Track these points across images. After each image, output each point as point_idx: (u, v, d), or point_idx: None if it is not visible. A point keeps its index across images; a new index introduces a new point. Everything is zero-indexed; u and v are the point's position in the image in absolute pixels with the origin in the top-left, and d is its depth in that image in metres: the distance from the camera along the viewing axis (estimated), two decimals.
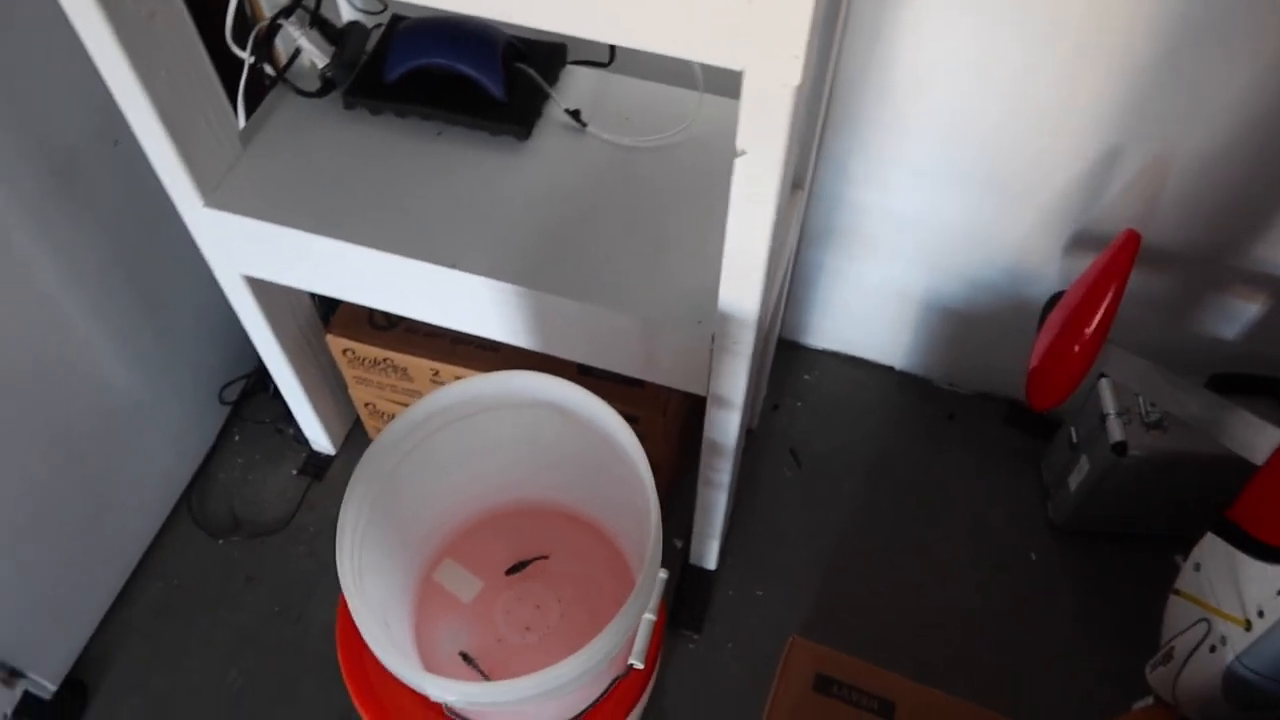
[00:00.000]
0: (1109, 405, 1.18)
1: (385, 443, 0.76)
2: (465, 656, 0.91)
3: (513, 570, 0.96)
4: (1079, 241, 1.17)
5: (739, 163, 0.69)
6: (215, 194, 0.96)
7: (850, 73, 1.08)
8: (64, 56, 0.97)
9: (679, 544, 1.30)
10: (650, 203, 0.97)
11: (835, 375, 1.51)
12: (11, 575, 1.09)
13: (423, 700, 0.78)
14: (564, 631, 0.90)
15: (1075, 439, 1.26)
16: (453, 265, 0.91)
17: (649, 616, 0.75)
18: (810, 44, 0.60)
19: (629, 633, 0.71)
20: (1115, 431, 1.16)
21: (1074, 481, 1.26)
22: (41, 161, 0.99)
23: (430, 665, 0.91)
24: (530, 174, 0.99)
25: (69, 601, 1.20)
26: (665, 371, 0.94)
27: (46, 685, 1.17)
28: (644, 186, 0.98)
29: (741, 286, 0.80)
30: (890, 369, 1.51)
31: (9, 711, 1.13)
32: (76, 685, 1.22)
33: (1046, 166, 1.11)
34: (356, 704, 0.83)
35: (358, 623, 0.67)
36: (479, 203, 0.97)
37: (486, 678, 0.89)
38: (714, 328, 0.86)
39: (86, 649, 1.24)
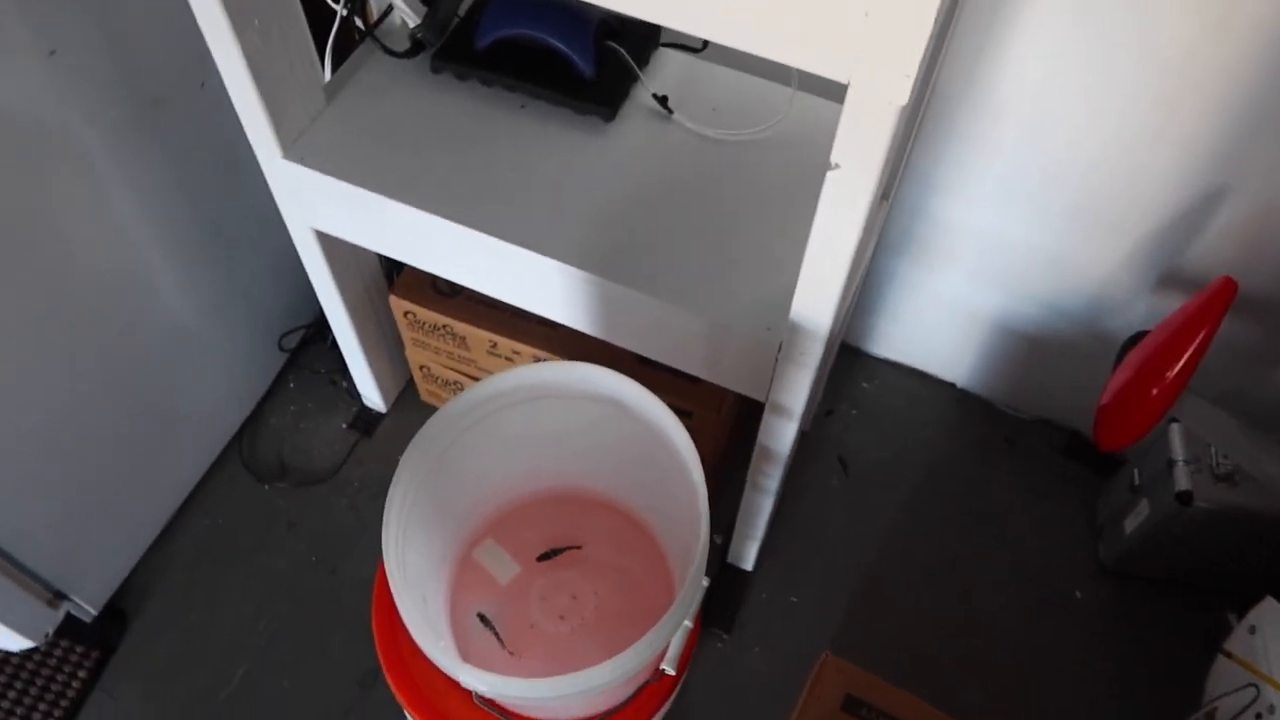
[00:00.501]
0: (1178, 452, 1.14)
1: (444, 419, 0.76)
2: (482, 618, 0.90)
3: (544, 557, 0.95)
4: (1168, 280, 1.13)
5: (831, 175, 0.67)
6: (294, 147, 0.96)
7: (951, 88, 1.04)
8: None
9: (718, 540, 1.29)
10: (730, 199, 0.94)
11: (894, 386, 1.48)
12: (64, 500, 1.11)
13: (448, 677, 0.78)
14: (597, 624, 0.89)
15: (1138, 481, 1.22)
16: (523, 244, 0.90)
17: (686, 624, 0.73)
18: (923, 62, 0.57)
19: (666, 640, 0.70)
20: (1182, 480, 1.12)
21: (1130, 524, 1.23)
22: (130, 96, 0.99)
23: (459, 635, 0.91)
24: (610, 157, 0.97)
25: (116, 530, 1.22)
26: (726, 374, 0.93)
27: (88, 609, 1.20)
28: (725, 182, 0.96)
29: (816, 299, 0.78)
30: (951, 385, 1.47)
31: (50, 631, 1.16)
32: (116, 612, 1.25)
33: (1144, 200, 1.06)
34: (386, 673, 0.83)
35: (397, 602, 0.67)
36: (556, 182, 0.95)
37: (501, 641, 0.89)
38: (782, 336, 0.84)
39: (129, 579, 1.26)
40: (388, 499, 0.72)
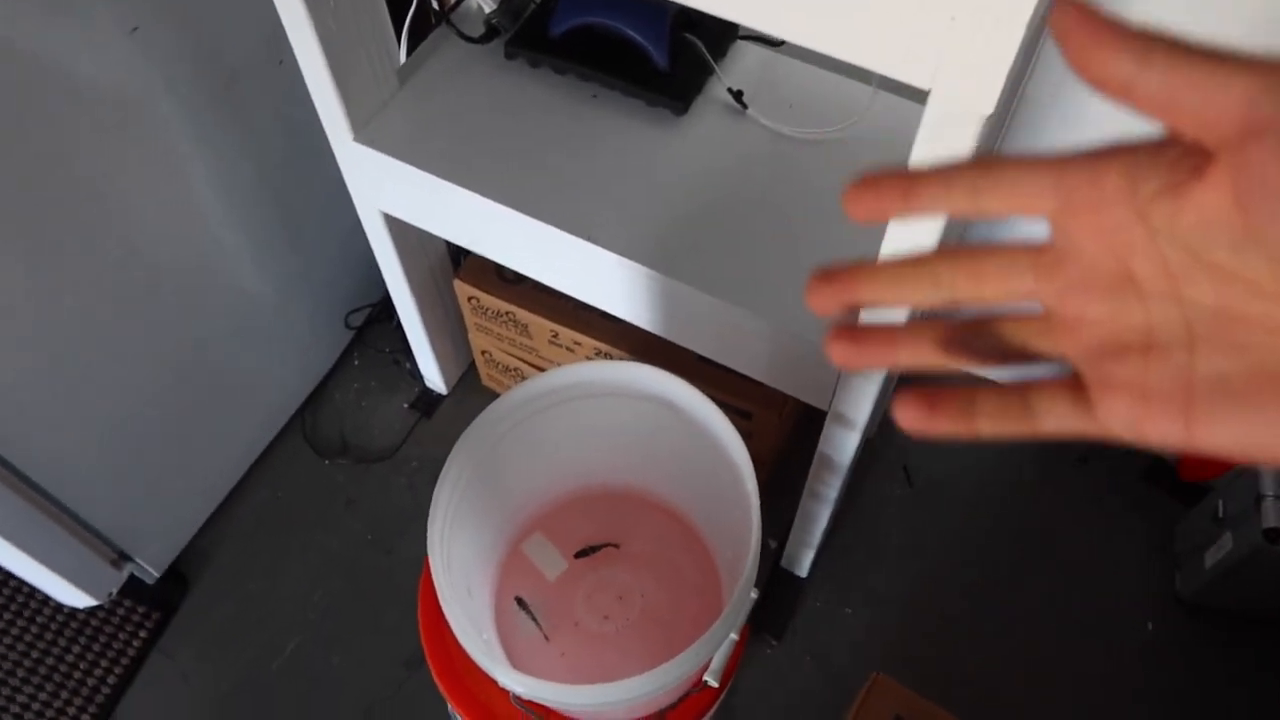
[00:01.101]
0: (1268, 486, 1.08)
1: (498, 411, 0.75)
2: (520, 602, 0.90)
3: (581, 554, 0.94)
4: None
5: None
6: (366, 130, 0.96)
7: (1041, 95, 0.99)
8: None
9: (773, 544, 1.26)
10: (802, 200, 0.91)
11: None
12: (132, 465, 1.14)
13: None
14: (642, 626, 0.88)
15: (1221, 513, 1.16)
16: (589, 238, 0.88)
17: (733, 637, 0.71)
18: (1012, 71, 0.53)
19: (710, 653, 0.68)
20: (1270, 516, 1.06)
21: (1211, 558, 1.16)
22: (210, 73, 1.00)
23: (503, 626, 0.90)
24: (682, 152, 0.95)
25: (180, 495, 1.25)
26: (787, 380, 0.90)
27: (151, 571, 1.23)
28: (798, 182, 0.92)
29: (884, 311, 0.75)
30: None
31: (114, 590, 1.19)
32: (178, 576, 1.28)
33: None
34: (430, 661, 0.83)
35: (440, 596, 0.66)
36: (625, 175, 0.93)
37: (538, 625, 0.88)
38: None
39: (190, 544, 1.29)
40: (435, 493, 0.72)
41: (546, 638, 0.87)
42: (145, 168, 0.99)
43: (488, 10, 0.99)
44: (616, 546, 0.94)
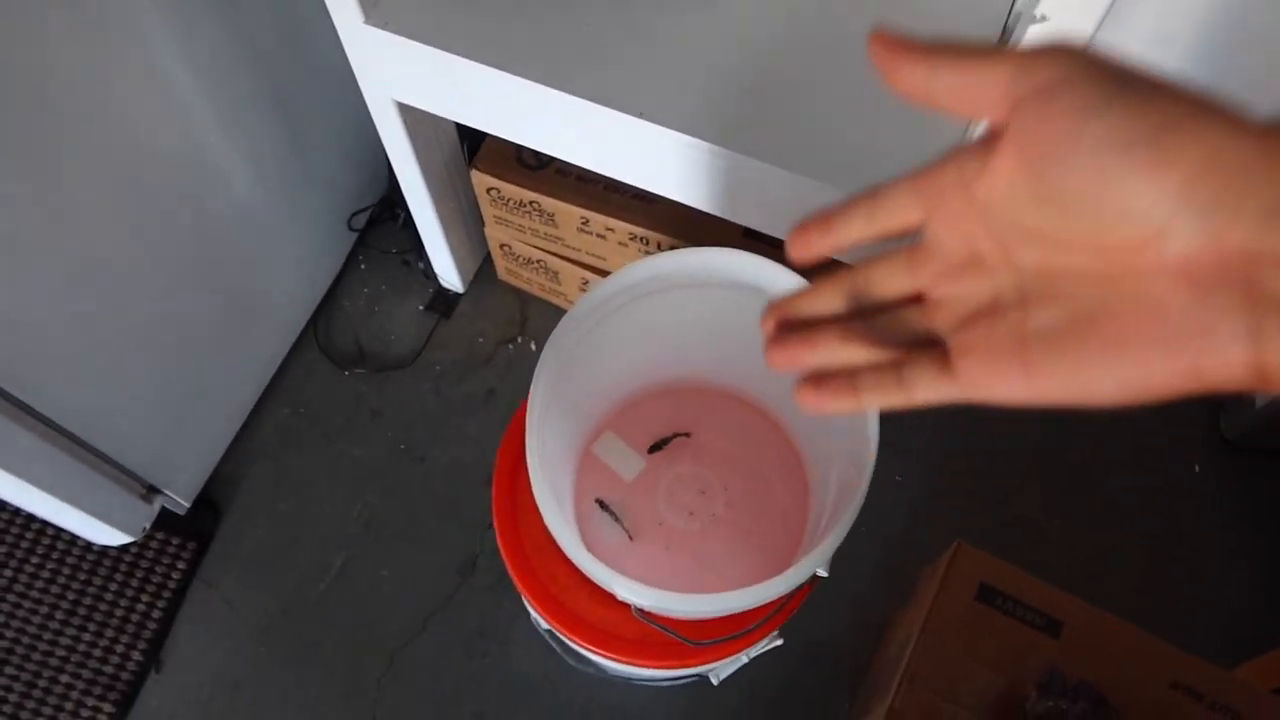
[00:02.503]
0: None
1: (580, 312, 0.69)
2: (601, 504, 0.87)
3: (654, 448, 0.90)
4: None
5: (1034, 30, 0.58)
6: (376, 10, 0.86)
7: None
8: None
9: None
10: (861, 53, 0.84)
11: None
12: (150, 393, 1.07)
13: (581, 577, 0.74)
14: (729, 520, 0.85)
15: None
16: (639, 114, 0.81)
17: (845, 528, 0.69)
18: None
19: (829, 555, 0.65)
20: None
21: (1261, 399, 1.16)
22: None
23: (585, 530, 0.87)
24: (729, 10, 0.87)
25: (202, 421, 1.19)
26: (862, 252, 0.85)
27: (181, 502, 1.18)
28: (855, 34, 0.85)
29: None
30: None
31: (147, 525, 1.14)
32: (209, 504, 1.23)
33: None
34: (512, 572, 0.79)
35: (547, 520, 0.62)
36: (668, 40, 0.85)
37: (621, 523, 0.86)
38: None
39: (217, 470, 1.24)
40: (529, 402, 0.67)
41: (631, 538, 0.84)
42: (131, 73, 0.88)
43: None
44: (687, 435, 0.90)
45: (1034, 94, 0.26)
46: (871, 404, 0.32)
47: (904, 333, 0.32)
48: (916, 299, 0.32)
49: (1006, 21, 0.81)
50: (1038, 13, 0.57)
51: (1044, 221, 0.27)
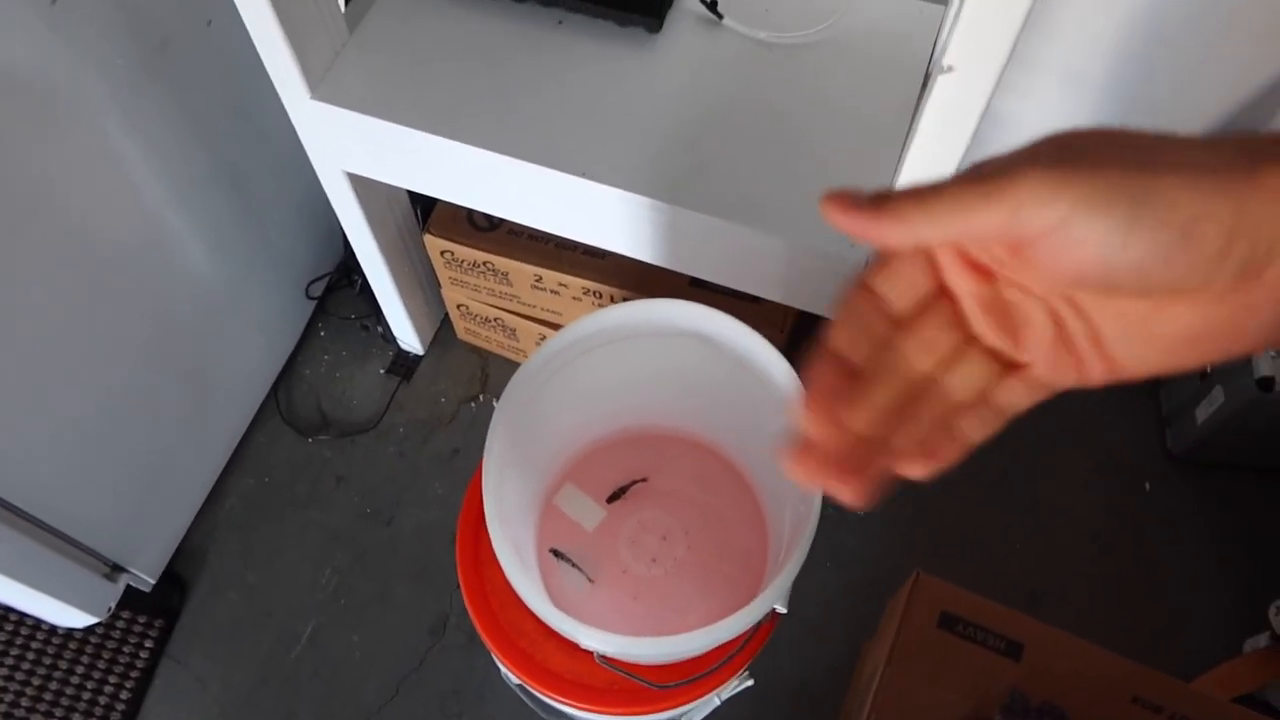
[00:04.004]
0: None
1: (530, 369, 0.71)
2: (556, 553, 0.88)
3: (613, 498, 0.91)
4: None
5: (942, 80, 0.61)
6: (321, 86, 0.89)
7: None
8: None
9: None
10: (793, 108, 0.88)
11: None
12: (111, 471, 1.07)
13: (547, 629, 0.75)
14: (692, 563, 0.87)
15: (1209, 369, 1.19)
16: (582, 174, 0.84)
17: (798, 564, 0.71)
18: None
19: (787, 589, 0.67)
20: (1262, 365, 1.09)
21: (1202, 413, 1.20)
22: (133, 42, 0.91)
23: (546, 581, 0.88)
24: (660, 72, 0.90)
25: (165, 496, 1.19)
26: (804, 294, 0.88)
27: (146, 579, 1.18)
28: (786, 89, 0.89)
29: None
30: None
31: (112, 604, 1.13)
32: (175, 579, 1.22)
33: (1220, 76, 1.00)
34: (477, 624, 0.80)
35: (507, 573, 0.64)
36: (604, 103, 0.89)
37: (579, 569, 0.87)
38: (867, 251, 0.79)
39: (183, 544, 1.24)
40: (484, 460, 0.68)
41: (591, 580, 0.85)
42: (81, 154, 0.90)
43: None
44: (645, 480, 0.92)
45: (1044, 241, 0.27)
46: (978, 440, 0.33)
47: (973, 387, 0.33)
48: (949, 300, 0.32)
49: (927, 70, 0.85)
50: (945, 63, 0.60)
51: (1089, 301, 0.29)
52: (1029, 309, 0.31)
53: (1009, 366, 0.32)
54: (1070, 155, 0.26)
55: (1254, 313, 0.27)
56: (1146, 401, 1.33)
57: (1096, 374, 0.31)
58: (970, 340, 0.32)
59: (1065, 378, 0.31)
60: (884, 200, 0.29)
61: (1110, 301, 0.29)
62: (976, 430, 0.33)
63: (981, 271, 0.31)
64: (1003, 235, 0.27)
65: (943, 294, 0.32)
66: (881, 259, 0.32)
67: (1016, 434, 1.25)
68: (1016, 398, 0.32)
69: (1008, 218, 0.27)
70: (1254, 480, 1.27)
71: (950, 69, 0.60)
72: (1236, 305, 0.27)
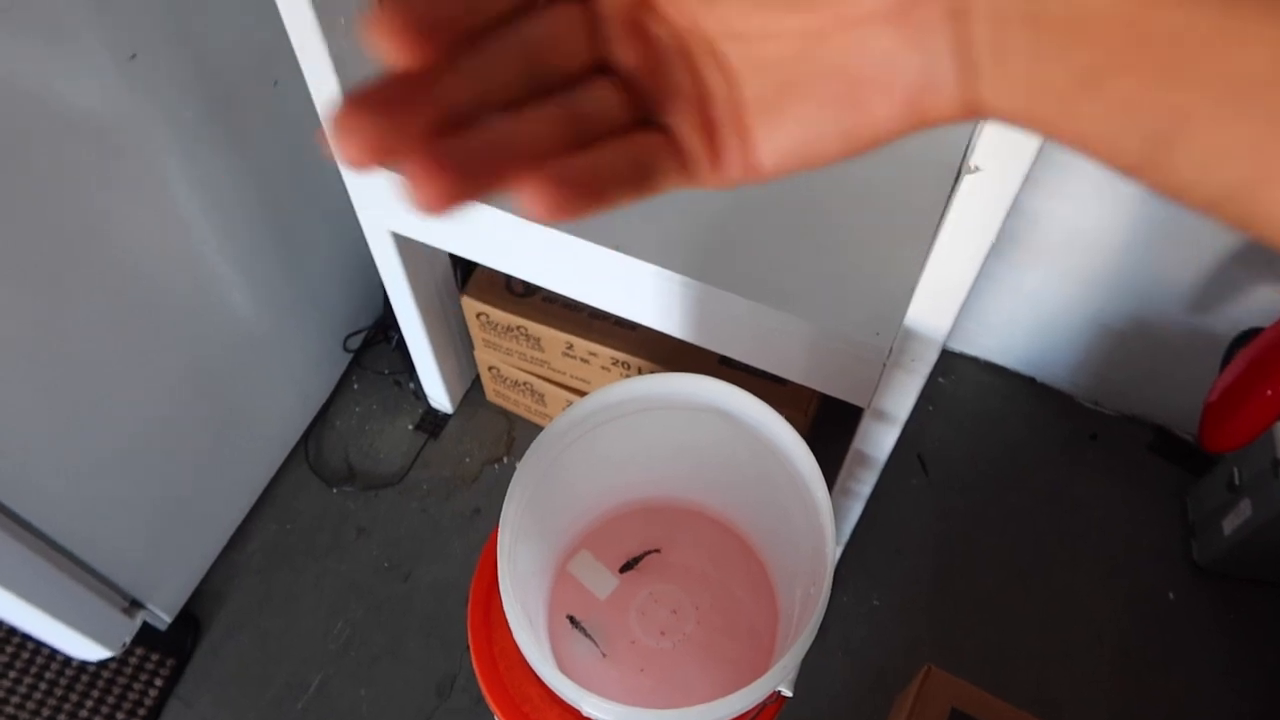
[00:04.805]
0: None
1: (552, 434, 0.73)
2: (572, 620, 0.88)
3: (626, 568, 0.92)
4: None
5: (969, 180, 0.63)
6: None
7: None
8: None
9: None
10: (826, 194, 0.90)
11: (972, 381, 1.44)
12: (139, 506, 1.10)
13: (552, 696, 0.75)
14: (700, 639, 0.87)
15: (1238, 480, 1.18)
16: (616, 247, 0.87)
17: (805, 646, 0.70)
18: None
19: (793, 670, 0.67)
20: None
21: (1229, 525, 1.18)
22: (203, 95, 0.97)
23: (557, 648, 0.88)
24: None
25: (188, 536, 1.21)
26: (827, 379, 0.89)
27: (163, 617, 1.19)
28: (823, 176, 0.92)
29: (936, 307, 0.74)
30: (1031, 380, 1.43)
31: (127, 640, 1.14)
32: (190, 619, 1.23)
33: None
34: (484, 688, 0.80)
35: (516, 635, 0.64)
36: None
37: (594, 641, 0.87)
38: (891, 341, 0.80)
39: (201, 585, 1.25)
40: (500, 524, 0.70)
41: (604, 656, 0.85)
42: (141, 198, 0.95)
43: None
44: (658, 552, 0.92)
45: None
46: (615, 202, 0.26)
47: (606, 114, 0.26)
48: (597, 70, 0.26)
49: (959, 170, 0.87)
50: (971, 164, 0.62)
51: (732, 14, 0.25)
52: (669, 55, 0.26)
53: (641, 126, 0.26)
54: None
55: (922, 71, 0.23)
56: (1172, 504, 1.32)
57: (733, 162, 0.26)
58: (604, 68, 0.26)
59: (698, 163, 0.27)
60: None
61: (759, 41, 0.25)
62: (618, 187, 0.25)
63: None
64: None
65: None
66: None
67: (1038, 528, 1.25)
68: (651, 167, 0.26)
69: None
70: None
71: (977, 169, 0.62)
72: (913, 35, 0.23)
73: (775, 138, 0.26)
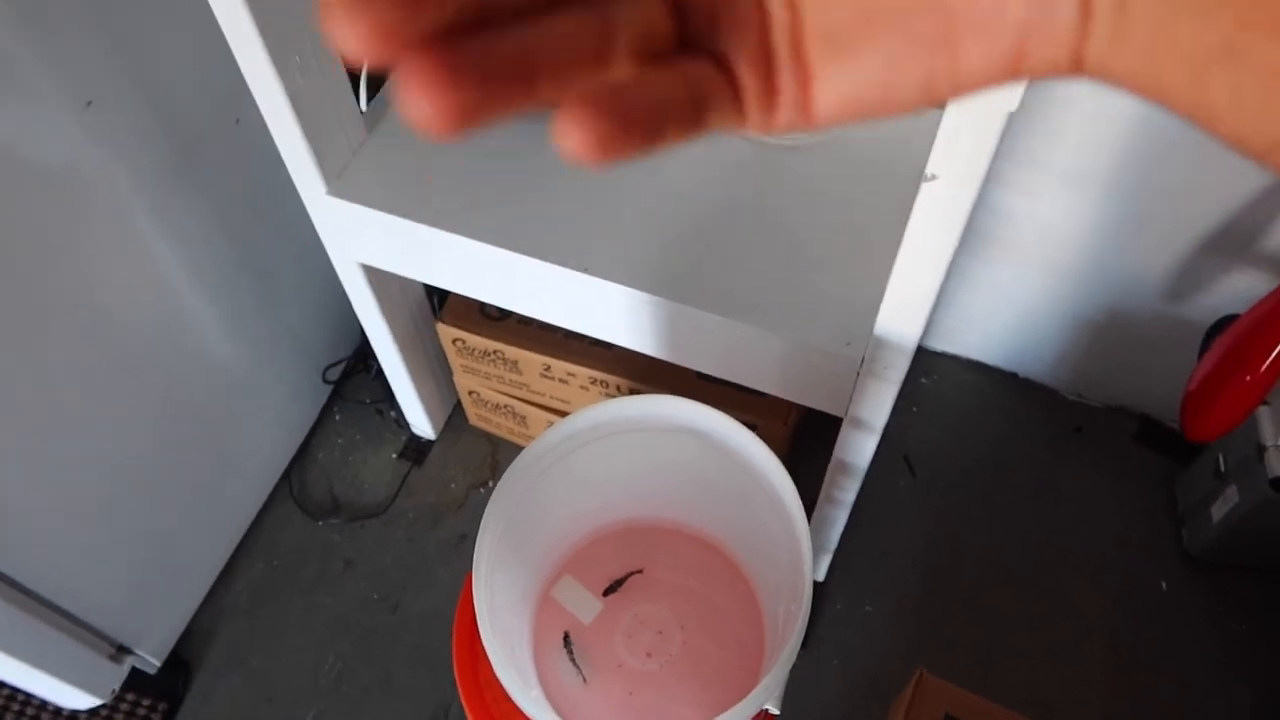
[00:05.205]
0: (1268, 436, 1.09)
1: (525, 461, 0.73)
2: (566, 640, 0.87)
3: (610, 590, 0.91)
4: (1259, 260, 1.08)
5: (926, 188, 0.63)
6: (338, 182, 0.93)
7: None
8: (183, 32, 0.94)
9: None
10: (794, 208, 0.90)
11: (954, 380, 1.44)
12: (122, 553, 1.09)
13: None
14: (686, 659, 0.86)
15: (1223, 467, 1.18)
16: (584, 270, 0.86)
17: (788, 663, 0.70)
18: None
19: (778, 689, 0.67)
20: (1275, 465, 1.07)
21: (1218, 512, 1.18)
22: (164, 140, 0.96)
23: (544, 675, 0.88)
24: (665, 170, 0.93)
25: (174, 578, 1.20)
26: (802, 391, 0.89)
27: (152, 661, 1.18)
28: (788, 189, 0.92)
29: (904, 313, 0.74)
30: (1013, 375, 1.43)
31: (116, 687, 1.13)
32: (180, 662, 1.22)
33: (1230, 173, 1.02)
34: (471, 716, 0.80)
35: (495, 667, 0.64)
36: (608, 201, 0.91)
37: (579, 667, 0.86)
38: (864, 351, 0.80)
39: (189, 627, 1.24)
40: (475, 554, 0.69)
41: (585, 681, 0.85)
42: (108, 244, 0.94)
43: None
44: (640, 572, 0.92)
45: None
46: (669, 142, 0.22)
47: (650, 33, 0.22)
48: None
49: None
50: (928, 172, 0.62)
51: None
52: None
53: (688, 52, 0.22)
54: None
55: (1040, 11, 0.20)
56: (1160, 494, 1.31)
57: (786, 104, 0.23)
58: None
59: (751, 101, 0.23)
60: None
61: None
62: (664, 113, 0.21)
63: None
64: None
65: None
66: None
67: (1027, 525, 1.25)
68: (705, 103, 0.22)
69: None
70: (1272, 581, 1.24)
71: (933, 177, 0.62)
72: None
73: (840, 79, 0.22)
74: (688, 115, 0.22)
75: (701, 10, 0.22)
